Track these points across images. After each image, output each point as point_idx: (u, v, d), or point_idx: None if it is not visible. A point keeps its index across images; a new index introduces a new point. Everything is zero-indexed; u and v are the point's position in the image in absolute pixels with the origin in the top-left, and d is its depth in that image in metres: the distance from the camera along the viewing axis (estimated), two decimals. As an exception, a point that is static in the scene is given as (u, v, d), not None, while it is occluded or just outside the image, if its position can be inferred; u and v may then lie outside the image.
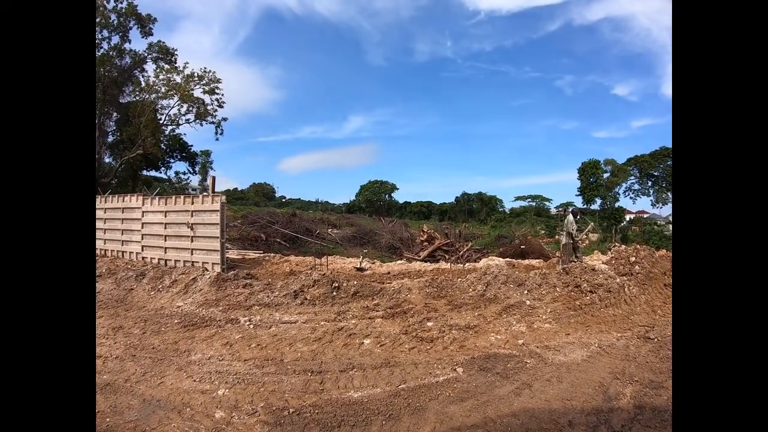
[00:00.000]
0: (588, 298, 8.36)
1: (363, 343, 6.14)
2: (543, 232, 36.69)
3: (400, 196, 76.63)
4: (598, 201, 48.73)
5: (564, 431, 3.97)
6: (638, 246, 11.60)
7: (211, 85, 32.42)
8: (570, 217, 13.05)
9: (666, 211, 58.71)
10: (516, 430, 3.96)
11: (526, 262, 15.49)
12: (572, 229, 12.55)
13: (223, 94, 33.35)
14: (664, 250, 16.60)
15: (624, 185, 53.01)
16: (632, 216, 58.47)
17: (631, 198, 54.86)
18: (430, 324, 6.94)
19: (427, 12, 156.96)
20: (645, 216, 61.94)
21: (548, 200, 72.55)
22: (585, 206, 49.06)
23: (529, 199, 72.71)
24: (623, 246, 12.29)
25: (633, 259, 10.07)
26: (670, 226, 54.37)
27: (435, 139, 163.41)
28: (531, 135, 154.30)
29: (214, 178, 12.98)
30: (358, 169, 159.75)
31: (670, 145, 51.47)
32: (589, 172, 48.58)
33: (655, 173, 53.34)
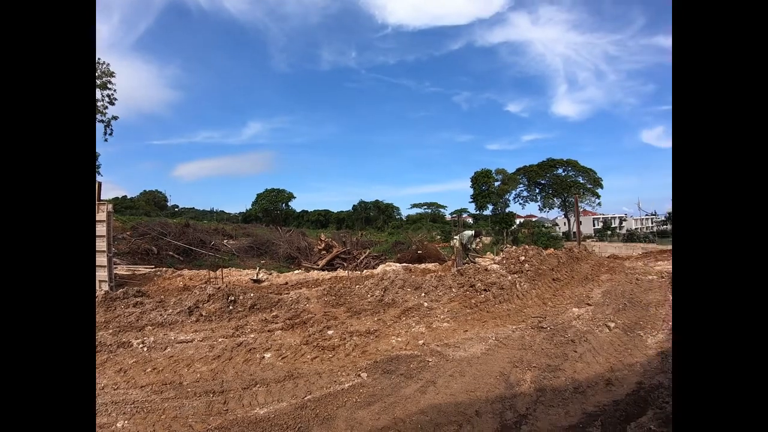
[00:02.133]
0: (483, 296, 8.71)
1: (264, 357, 5.88)
2: (438, 237, 38.06)
3: (297, 205, 75.29)
4: (490, 207, 51.80)
5: (472, 421, 4.03)
6: (527, 246, 12.40)
7: (104, 79, 29.29)
8: (471, 233, 13.81)
9: (553, 214, 63.79)
10: (426, 426, 3.97)
11: (423, 266, 15.95)
12: (470, 244, 13.32)
13: (115, 90, 30.32)
14: (552, 249, 17.93)
15: (514, 192, 56.99)
16: (522, 220, 62.85)
17: (520, 204, 59.20)
18: (330, 332, 6.82)
19: (336, 20, 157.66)
20: (534, 219, 66.90)
21: (443, 207, 75.39)
22: (477, 212, 51.93)
23: (425, 207, 74.96)
24: (514, 247, 13.11)
25: (523, 258, 10.72)
26: (557, 228, 59.26)
27: (334, 149, 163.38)
28: (428, 146, 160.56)
29: (99, 185, 11.85)
30: (255, 178, 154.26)
31: (555, 156, 56.44)
32: (481, 180, 51.61)
33: (542, 181, 57.89)
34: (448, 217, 73.82)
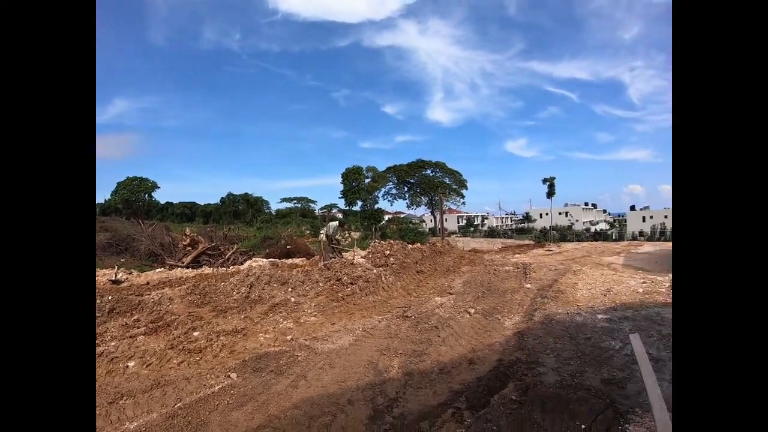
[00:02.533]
0: (349, 289, 8.92)
1: (128, 366, 5.43)
2: (308, 232, 37.88)
3: (161, 196, 70.17)
4: (359, 203, 52.85)
5: (346, 410, 4.11)
6: (392, 241, 12.94)
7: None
8: (336, 223, 14.00)
9: (420, 211, 66.97)
10: (301, 420, 3.96)
11: (290, 261, 15.79)
12: (333, 234, 13.55)
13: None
14: (418, 244, 18.82)
15: (383, 189, 58.68)
16: (390, 216, 65.12)
17: (389, 201, 61.02)
18: (196, 333, 6.51)
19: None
20: (402, 216, 69.63)
21: (313, 202, 74.96)
22: (347, 207, 52.71)
23: (295, 201, 73.86)
24: (381, 242, 13.60)
25: (388, 252, 11.17)
26: (424, 224, 62.31)
27: (205, 135, 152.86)
28: (303, 140, 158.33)
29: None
30: (116, 163, 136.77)
31: (425, 158, 59.23)
32: (351, 177, 52.53)
33: (411, 180, 60.34)
34: (318, 212, 73.79)
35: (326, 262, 11.56)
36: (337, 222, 14.13)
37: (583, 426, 3.65)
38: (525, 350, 5.54)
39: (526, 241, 39.89)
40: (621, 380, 4.61)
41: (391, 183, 59.38)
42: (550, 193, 50.73)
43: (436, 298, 8.46)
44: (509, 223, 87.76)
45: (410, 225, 49.16)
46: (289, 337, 6.36)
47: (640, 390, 4.19)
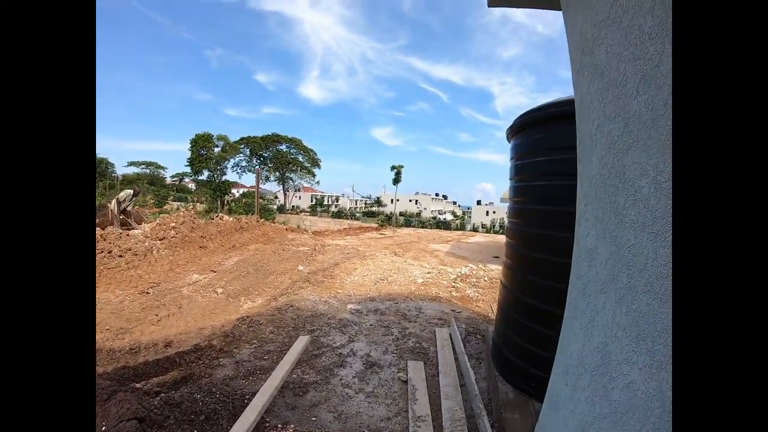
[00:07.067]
0: (116, 261, 8.57)
1: None
2: (152, 201, 35.23)
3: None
4: (206, 173, 50.14)
5: None
6: (182, 213, 12.57)
7: None
8: (129, 192, 13.27)
9: (272, 187, 65.61)
10: None
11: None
12: (125, 203, 12.87)
13: None
14: (255, 219, 18.39)
15: (233, 161, 56.21)
16: (245, 190, 62.90)
17: (237, 173, 58.58)
18: None
19: None
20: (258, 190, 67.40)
21: (163, 168, 70.11)
22: (193, 177, 49.96)
23: (144, 166, 68.26)
24: (223, 216, 13.13)
25: (173, 225, 10.84)
26: (277, 200, 61.24)
27: None
28: (163, 97, 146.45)
29: None
30: None
31: (288, 133, 57.45)
32: (200, 144, 49.54)
33: (264, 154, 58.59)
34: (168, 180, 68.98)
35: (112, 231, 10.88)
36: (131, 191, 13.33)
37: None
38: (230, 337, 5.47)
39: (371, 224, 41.23)
40: (302, 386, 4.24)
41: (242, 155, 57.20)
42: (396, 180, 53.10)
43: (194, 276, 8.43)
44: (362, 206, 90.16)
45: (261, 200, 48.08)
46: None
47: (315, 403, 4.07)
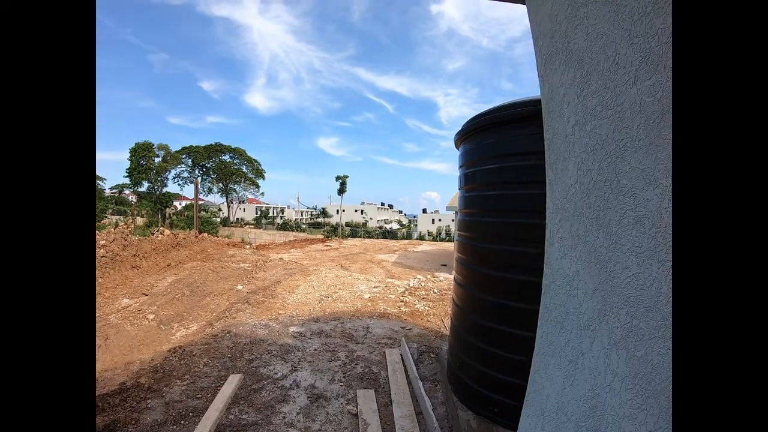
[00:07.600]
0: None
1: None
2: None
3: None
4: (146, 184, 47.96)
5: None
6: (113, 230, 11.69)
7: None
8: None
9: (215, 199, 63.57)
10: None
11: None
12: None
13: None
14: (194, 233, 17.42)
15: (174, 172, 54.12)
16: (187, 202, 60.51)
17: (179, 185, 56.50)
18: None
19: None
20: (200, 203, 65.16)
21: (102, 179, 66.34)
22: (133, 188, 47.75)
23: (78, 177, 64.22)
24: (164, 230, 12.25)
25: (102, 242, 9.98)
26: (221, 213, 59.42)
27: None
28: (101, 103, 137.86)
29: None
30: None
31: (232, 143, 56.05)
32: (140, 154, 47.28)
33: (207, 165, 56.69)
34: (107, 191, 65.40)
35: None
36: None
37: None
38: (159, 372, 4.90)
39: (317, 236, 40.52)
40: (240, 428, 3.78)
41: (183, 165, 55.06)
42: (341, 191, 52.65)
43: (124, 300, 7.70)
44: (308, 217, 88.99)
45: (203, 213, 46.48)
46: None
47: None
